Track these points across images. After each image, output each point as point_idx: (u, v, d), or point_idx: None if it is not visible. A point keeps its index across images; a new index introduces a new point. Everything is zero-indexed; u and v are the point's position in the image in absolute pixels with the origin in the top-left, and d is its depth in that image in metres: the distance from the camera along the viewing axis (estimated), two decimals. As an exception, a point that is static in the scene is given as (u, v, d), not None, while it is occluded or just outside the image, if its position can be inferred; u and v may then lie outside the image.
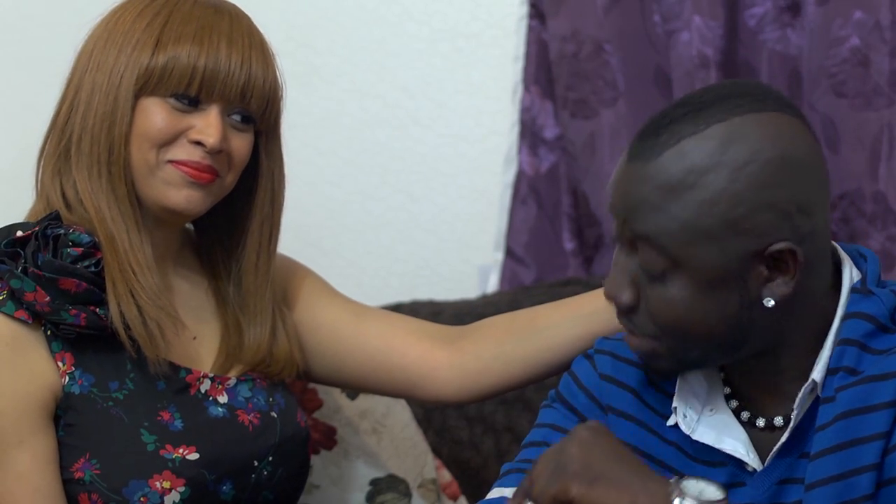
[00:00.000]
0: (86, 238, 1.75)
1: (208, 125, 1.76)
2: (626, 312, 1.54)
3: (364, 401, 2.15)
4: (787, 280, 1.49)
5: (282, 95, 1.84)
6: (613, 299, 1.54)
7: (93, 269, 1.74)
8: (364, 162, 2.83)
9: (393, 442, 2.16)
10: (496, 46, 2.74)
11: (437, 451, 2.31)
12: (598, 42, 2.56)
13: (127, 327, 1.75)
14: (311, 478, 2.10)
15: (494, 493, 1.66)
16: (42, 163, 1.82)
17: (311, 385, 2.10)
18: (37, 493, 1.72)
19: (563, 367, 1.82)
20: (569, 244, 2.66)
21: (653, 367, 1.58)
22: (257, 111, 1.81)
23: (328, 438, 2.12)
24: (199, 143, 1.76)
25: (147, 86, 1.76)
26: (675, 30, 2.50)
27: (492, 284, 2.71)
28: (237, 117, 1.80)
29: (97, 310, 1.73)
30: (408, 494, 2.13)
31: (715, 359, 1.56)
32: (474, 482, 2.36)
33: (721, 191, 1.47)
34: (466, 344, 1.90)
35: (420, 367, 1.90)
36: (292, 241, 2.83)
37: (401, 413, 2.18)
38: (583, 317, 1.84)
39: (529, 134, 2.67)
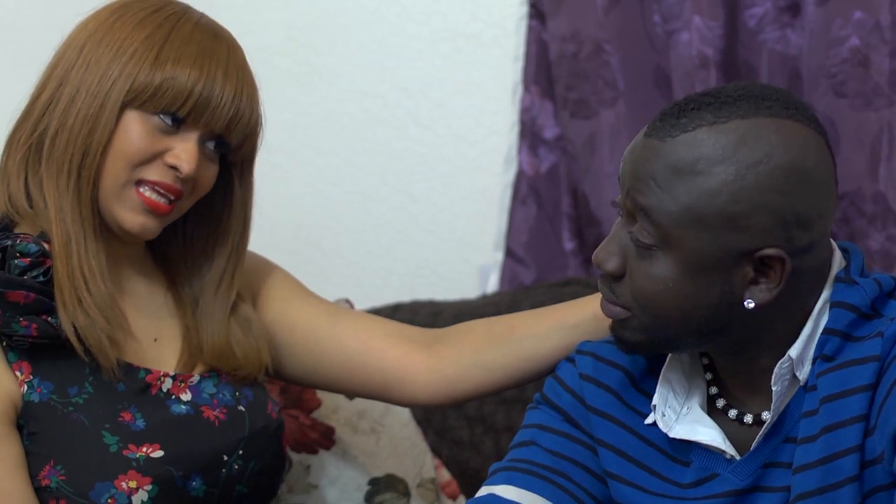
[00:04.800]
0: (33, 248, 1.73)
1: (185, 151, 1.76)
2: (609, 280, 1.57)
3: (362, 400, 2.14)
4: (770, 287, 1.52)
5: (262, 132, 1.84)
6: (601, 265, 1.57)
7: (41, 278, 1.73)
8: (364, 162, 2.83)
9: (391, 442, 2.16)
10: (496, 46, 2.74)
11: (436, 452, 2.31)
12: (598, 42, 2.56)
13: (79, 334, 1.74)
14: (310, 477, 2.10)
15: (483, 491, 1.69)
16: (10, 149, 1.80)
17: (310, 385, 2.10)
18: (10, 497, 1.71)
19: (543, 375, 1.83)
20: (569, 244, 2.66)
21: (621, 337, 1.59)
22: (234, 143, 1.81)
23: (326, 438, 2.12)
24: (173, 168, 1.76)
25: (137, 99, 1.75)
26: (675, 30, 2.50)
27: (492, 284, 2.70)
28: (211, 145, 1.79)
29: (49, 318, 1.73)
30: (407, 494, 2.13)
31: (687, 344, 1.58)
32: (474, 482, 2.35)
33: (726, 184, 1.49)
34: (444, 349, 1.90)
35: (398, 370, 1.90)
36: (292, 241, 2.84)
37: (399, 413, 2.18)
38: (566, 328, 1.83)
39: (529, 134, 2.67)
